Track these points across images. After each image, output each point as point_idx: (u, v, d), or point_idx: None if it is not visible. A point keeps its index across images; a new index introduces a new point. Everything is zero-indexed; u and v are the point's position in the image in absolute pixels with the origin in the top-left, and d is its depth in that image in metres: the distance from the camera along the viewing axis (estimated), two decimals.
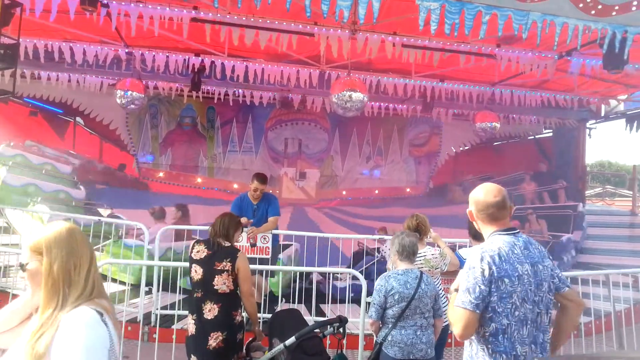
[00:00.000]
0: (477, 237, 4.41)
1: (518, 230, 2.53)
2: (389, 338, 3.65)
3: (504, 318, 2.32)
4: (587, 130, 12.92)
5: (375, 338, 3.87)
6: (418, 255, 4.13)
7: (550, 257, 2.55)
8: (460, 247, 5.39)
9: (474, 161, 15.67)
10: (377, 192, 15.31)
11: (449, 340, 5.18)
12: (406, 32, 7.81)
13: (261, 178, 6.25)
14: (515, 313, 2.32)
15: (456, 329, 2.33)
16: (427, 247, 4.43)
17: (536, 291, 2.39)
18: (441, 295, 4.03)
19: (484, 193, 2.53)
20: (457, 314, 2.33)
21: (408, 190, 15.48)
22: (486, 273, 2.31)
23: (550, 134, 14.46)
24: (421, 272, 3.76)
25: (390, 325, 3.66)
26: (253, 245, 6.04)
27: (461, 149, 15.64)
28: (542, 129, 14.30)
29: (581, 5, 6.40)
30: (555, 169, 13.72)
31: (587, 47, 7.32)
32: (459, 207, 13.27)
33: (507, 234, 2.46)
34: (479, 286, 2.30)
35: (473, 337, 2.40)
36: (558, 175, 13.23)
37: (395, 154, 15.26)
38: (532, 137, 15.12)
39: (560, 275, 2.53)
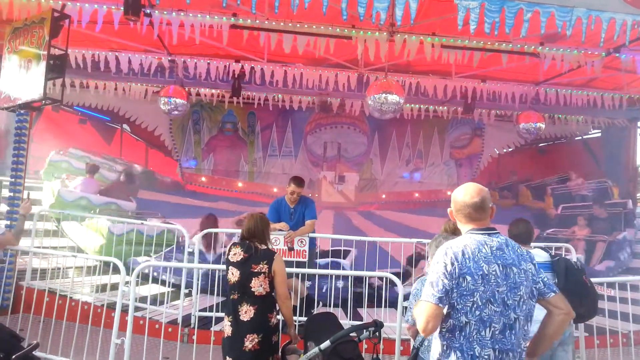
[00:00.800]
0: (517, 240, 4.26)
1: (497, 232, 2.50)
2: (426, 343, 3.57)
3: (462, 315, 2.31)
4: (638, 130, 12.36)
5: (412, 343, 3.80)
6: None
7: (534, 262, 2.49)
8: None
9: (518, 163, 15.27)
10: (417, 195, 15.11)
11: None
12: (445, 32, 7.69)
13: (298, 181, 6.29)
14: (476, 312, 2.30)
15: (419, 323, 2.30)
16: None
17: (509, 294, 2.34)
18: None
19: (463, 193, 2.54)
20: (420, 307, 2.32)
21: (449, 193, 15.16)
22: (448, 268, 2.31)
23: (599, 134, 13.90)
24: None
25: None
26: (290, 249, 6.07)
27: (505, 150, 15.25)
28: (589, 129, 13.77)
29: None
30: (604, 170, 13.16)
31: (637, 42, 7.01)
32: (502, 210, 13.01)
33: (480, 233, 2.46)
34: (442, 280, 2.30)
35: (436, 333, 2.39)
36: (607, 176, 12.69)
37: (435, 157, 15.03)
38: (580, 137, 14.58)
39: (545, 280, 2.49)
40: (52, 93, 7.45)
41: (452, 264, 2.32)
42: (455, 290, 2.31)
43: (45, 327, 5.23)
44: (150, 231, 7.90)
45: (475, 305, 2.30)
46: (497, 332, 2.31)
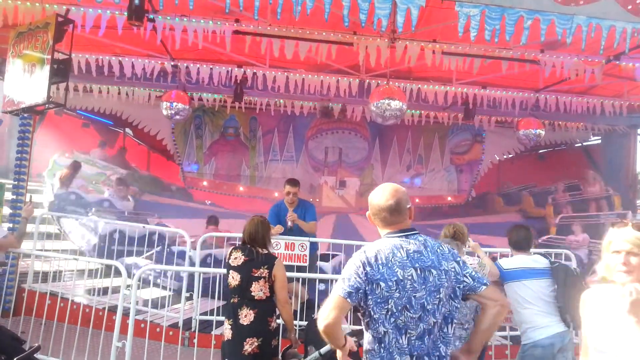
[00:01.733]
0: (517, 246, 4.32)
1: (416, 232, 2.41)
2: None
3: (380, 325, 2.23)
4: (638, 137, 12.39)
5: None
6: None
7: (458, 259, 2.40)
8: (502, 257, 5.26)
9: (517, 169, 15.30)
10: (417, 200, 15.14)
11: (490, 353, 5.07)
12: (446, 39, 7.73)
13: (292, 182, 6.35)
14: (391, 320, 2.22)
15: (322, 312, 2.22)
16: (465, 256, 4.35)
17: (428, 298, 2.25)
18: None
19: (378, 196, 2.44)
20: (328, 299, 2.25)
21: (449, 199, 15.24)
22: (360, 270, 2.24)
23: (599, 141, 13.93)
24: None
25: None
26: (291, 228, 6.12)
27: (505, 157, 15.28)
28: (589, 135, 13.80)
29: (630, 7, 6.19)
30: (603, 177, 13.18)
31: (637, 50, 7.05)
32: (501, 216, 13.02)
33: (397, 237, 2.37)
34: (355, 278, 2.23)
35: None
36: (606, 183, 12.70)
37: (436, 163, 15.08)
38: (579, 144, 14.61)
39: (473, 274, 2.39)
40: (56, 97, 7.50)
41: (365, 268, 2.25)
42: (370, 298, 2.23)
43: (46, 330, 5.25)
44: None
45: (390, 313, 2.23)
46: (413, 338, 2.23)
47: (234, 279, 4.05)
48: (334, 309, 2.20)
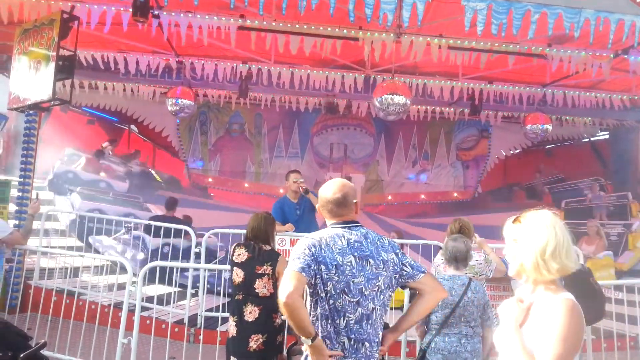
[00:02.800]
0: None
1: (359, 225, 2.55)
2: (432, 345, 3.58)
3: (319, 307, 2.38)
4: None
5: (419, 344, 3.80)
6: None
7: (397, 251, 2.55)
8: None
9: (524, 165, 15.21)
10: (423, 197, 15.08)
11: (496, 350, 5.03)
12: (452, 34, 7.67)
13: (295, 171, 6.29)
14: (330, 301, 2.36)
15: (282, 288, 2.29)
16: (471, 252, 4.31)
17: (367, 284, 2.40)
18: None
19: (326, 189, 2.59)
20: (284, 277, 2.34)
21: (455, 195, 15.18)
22: (307, 252, 2.36)
23: (607, 136, 13.82)
24: (470, 280, 3.65)
25: (434, 332, 3.60)
26: (306, 192, 6.08)
27: (511, 152, 15.19)
28: (597, 130, 13.69)
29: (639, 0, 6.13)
30: (611, 172, 13.07)
31: None
32: (508, 213, 12.94)
33: (339, 227, 2.51)
34: (304, 255, 2.35)
35: None
36: (614, 177, 12.59)
37: (442, 158, 15.02)
38: (587, 139, 14.50)
39: (412, 263, 2.54)
40: (61, 94, 7.51)
41: (311, 249, 2.38)
42: (318, 277, 2.36)
43: (52, 326, 5.27)
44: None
45: (329, 295, 2.36)
46: (351, 322, 2.37)
47: (238, 275, 4.03)
48: (291, 280, 2.29)
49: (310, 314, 2.43)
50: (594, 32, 5.93)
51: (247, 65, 9.50)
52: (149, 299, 6.39)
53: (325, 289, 2.36)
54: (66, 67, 6.71)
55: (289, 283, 2.27)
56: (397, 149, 14.86)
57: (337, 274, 2.37)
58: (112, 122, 14.29)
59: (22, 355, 3.72)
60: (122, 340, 4.70)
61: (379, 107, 8.31)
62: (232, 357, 3.97)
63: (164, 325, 5.75)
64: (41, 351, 4.47)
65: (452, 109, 11.98)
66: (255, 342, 3.85)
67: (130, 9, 6.53)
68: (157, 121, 13.40)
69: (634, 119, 12.01)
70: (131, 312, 4.92)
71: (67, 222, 8.78)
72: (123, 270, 5.06)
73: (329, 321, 2.37)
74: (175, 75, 10.19)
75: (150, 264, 5.23)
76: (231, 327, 4.03)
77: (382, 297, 2.45)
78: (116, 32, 7.77)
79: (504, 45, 7.91)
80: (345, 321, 2.37)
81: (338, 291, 2.36)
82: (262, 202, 12.56)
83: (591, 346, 4.90)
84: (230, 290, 4.65)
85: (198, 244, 6.66)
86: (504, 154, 15.17)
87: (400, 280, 2.53)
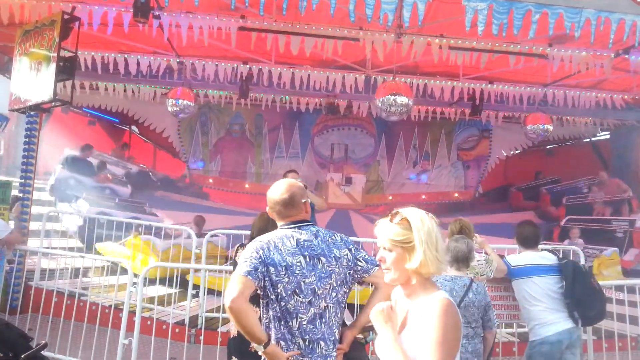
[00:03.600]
0: (525, 243, 4.27)
1: (309, 224, 2.53)
2: None
3: (271, 309, 2.36)
4: None
5: None
6: None
7: (350, 247, 2.52)
8: (510, 253, 5.21)
9: (525, 165, 15.20)
10: (424, 197, 15.08)
11: (497, 350, 5.04)
12: (453, 34, 7.67)
13: (292, 170, 6.26)
14: (282, 303, 2.34)
15: (227, 293, 2.26)
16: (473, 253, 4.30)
17: (319, 284, 2.38)
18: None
19: (273, 190, 2.59)
20: (230, 281, 2.30)
21: (456, 195, 15.17)
22: (254, 255, 2.34)
23: (608, 136, 13.81)
24: (471, 281, 3.64)
25: None
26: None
27: (512, 152, 15.18)
28: (598, 130, 13.68)
29: None
30: (612, 172, 13.05)
31: None
32: (509, 214, 12.94)
33: (288, 228, 2.50)
34: (251, 259, 2.32)
35: None
36: (615, 177, 12.57)
37: (442, 159, 15.02)
38: (588, 139, 14.49)
39: (366, 257, 2.53)
40: (62, 95, 7.52)
41: (258, 252, 2.35)
42: (267, 279, 2.33)
43: (53, 327, 5.27)
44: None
45: (280, 297, 2.34)
46: (304, 322, 2.35)
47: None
48: (237, 284, 2.26)
49: (262, 316, 2.42)
50: (594, 32, 5.93)
51: (248, 66, 9.50)
52: (150, 300, 6.39)
53: (276, 291, 2.33)
54: (67, 68, 6.70)
55: (234, 287, 2.23)
56: (397, 150, 14.86)
57: (287, 275, 2.34)
58: (113, 123, 14.30)
59: (23, 356, 3.73)
60: (122, 341, 4.70)
61: (381, 107, 8.31)
62: (233, 358, 3.96)
63: (164, 326, 5.75)
64: (42, 352, 4.48)
65: (452, 109, 11.97)
66: None
67: (131, 10, 6.53)
68: (157, 122, 13.42)
69: (634, 119, 12.00)
70: (132, 313, 4.92)
71: (75, 228, 8.72)
72: (124, 271, 5.07)
73: (282, 323, 2.35)
74: (176, 76, 10.19)
75: (151, 265, 5.23)
76: (232, 328, 4.01)
77: (334, 294, 2.42)
78: (117, 33, 7.77)
79: (504, 45, 7.92)
80: (298, 322, 2.35)
81: (289, 292, 2.34)
82: (264, 203, 12.55)
83: (592, 346, 4.90)
84: None
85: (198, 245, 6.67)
86: (505, 154, 15.17)
87: (355, 275, 2.51)
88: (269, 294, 2.35)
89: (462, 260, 3.70)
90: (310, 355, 2.35)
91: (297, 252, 2.40)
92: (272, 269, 2.33)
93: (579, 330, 4.03)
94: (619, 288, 5.83)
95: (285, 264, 2.35)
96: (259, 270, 2.31)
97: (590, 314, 3.95)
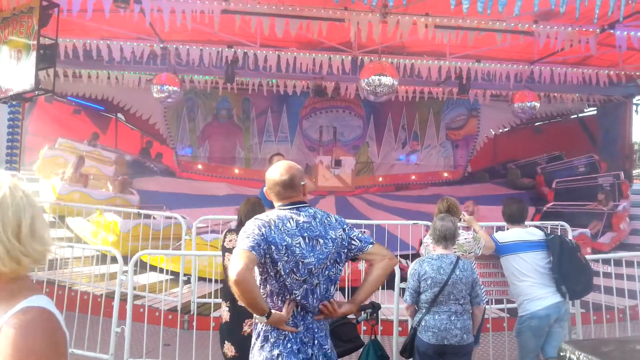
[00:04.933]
0: (511, 220, 4.30)
1: (307, 206, 2.56)
2: (423, 323, 3.62)
3: (269, 284, 2.40)
4: (634, 107, 12.35)
5: (410, 323, 3.84)
6: None
7: (345, 226, 2.57)
8: (499, 230, 5.25)
9: (514, 143, 15.27)
10: (414, 177, 15.13)
11: (487, 326, 5.10)
12: (438, 12, 7.64)
13: (278, 154, 6.20)
14: (280, 280, 2.38)
15: (232, 266, 2.24)
16: (460, 231, 4.34)
17: (316, 264, 2.43)
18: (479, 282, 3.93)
19: (273, 171, 2.58)
20: (234, 256, 2.31)
21: (446, 175, 15.24)
22: (257, 232, 2.34)
23: (594, 112, 13.89)
24: (457, 258, 3.68)
25: (424, 311, 3.63)
26: None
27: (500, 131, 15.24)
28: (585, 106, 13.75)
29: None
30: (599, 148, 13.16)
31: (631, 18, 6.97)
32: (498, 193, 13.02)
33: (286, 209, 2.51)
34: (254, 235, 2.33)
35: None
36: (603, 153, 12.68)
37: (431, 139, 15.04)
38: (575, 115, 14.56)
39: (360, 236, 2.58)
40: (45, 83, 7.39)
41: (261, 229, 2.37)
42: (268, 256, 2.36)
43: None
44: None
45: (278, 275, 2.37)
46: (298, 298, 2.41)
47: (230, 261, 4.02)
48: (241, 258, 2.26)
49: (264, 290, 2.45)
50: (579, 7, 5.90)
51: (233, 50, 9.39)
52: (141, 288, 6.38)
53: (275, 268, 2.37)
54: (48, 56, 6.59)
55: (239, 261, 2.23)
56: (386, 131, 14.85)
57: (286, 255, 2.37)
58: (99, 111, 14.11)
59: None
60: (115, 330, 4.70)
61: (366, 88, 8.28)
62: (226, 342, 3.99)
63: (157, 313, 5.76)
64: None
65: (440, 89, 11.96)
66: (249, 326, 3.85)
67: None
68: (143, 109, 13.27)
69: (621, 94, 12.07)
70: (123, 301, 4.92)
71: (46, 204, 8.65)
72: (114, 259, 5.05)
73: (280, 297, 2.41)
74: (160, 61, 10.04)
75: (140, 252, 5.21)
76: (224, 313, 4.03)
77: (327, 272, 2.47)
78: (98, 19, 7.66)
79: (490, 22, 7.88)
80: (292, 297, 2.41)
81: (287, 271, 2.38)
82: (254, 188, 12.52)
83: (580, 319, 4.98)
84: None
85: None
86: (493, 132, 15.21)
87: (349, 254, 2.55)
88: (269, 270, 2.38)
89: (449, 238, 3.73)
90: (302, 322, 2.42)
91: (296, 233, 2.42)
92: (273, 247, 2.35)
93: (566, 304, 4.09)
94: (606, 261, 5.92)
95: (285, 244, 2.37)
96: (262, 246, 2.32)
97: (577, 288, 4.00)
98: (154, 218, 7.55)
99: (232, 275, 2.20)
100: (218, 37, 8.95)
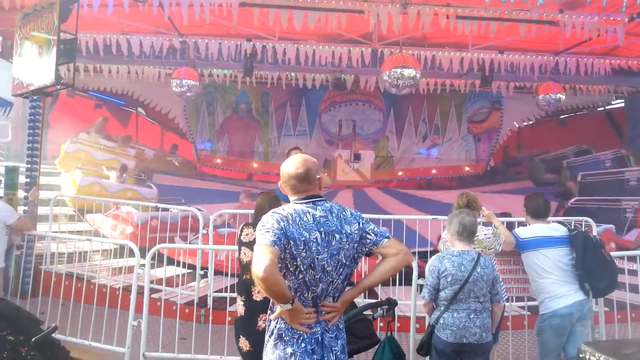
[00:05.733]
0: (536, 214, 4.18)
1: (323, 200, 2.52)
2: (441, 321, 3.54)
3: (294, 277, 2.37)
4: None
5: (427, 320, 3.76)
6: None
7: (360, 220, 2.53)
8: (520, 225, 5.11)
9: (538, 136, 14.94)
10: (434, 171, 14.92)
11: (507, 324, 4.98)
12: (460, 2, 7.47)
13: (296, 147, 6.17)
14: (300, 276, 2.37)
15: (257, 262, 2.18)
16: (480, 226, 4.22)
17: (329, 261, 2.40)
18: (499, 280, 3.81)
19: (288, 165, 2.55)
20: (256, 251, 2.25)
21: (467, 169, 14.99)
22: (276, 226, 2.30)
23: (622, 104, 13.48)
24: (479, 255, 3.58)
25: (442, 308, 3.55)
26: None
27: (525, 124, 14.91)
28: (612, 98, 13.35)
29: None
30: (627, 141, 12.77)
31: None
32: (521, 187, 12.74)
33: (303, 203, 2.48)
34: (274, 229, 2.29)
35: None
36: (631, 147, 12.29)
37: (453, 132, 14.78)
38: (602, 108, 14.16)
39: (375, 230, 2.53)
40: (66, 78, 7.46)
41: (280, 223, 2.33)
42: (287, 251, 2.33)
43: (64, 310, 5.31)
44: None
45: (298, 270, 2.36)
46: (316, 295, 2.41)
47: (246, 255, 3.99)
48: (265, 254, 2.22)
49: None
50: None
51: (252, 43, 9.36)
52: (159, 281, 6.42)
53: (295, 264, 2.35)
54: (68, 51, 6.62)
55: (263, 257, 2.19)
56: (407, 124, 14.64)
57: (305, 250, 2.35)
58: (120, 105, 14.26)
59: (33, 339, 3.74)
60: (132, 323, 4.73)
61: (388, 81, 8.17)
62: (241, 337, 3.97)
63: (174, 307, 5.78)
64: (53, 335, 4.52)
65: (462, 81, 11.73)
66: (263, 321, 3.82)
67: None
68: (163, 103, 13.34)
69: None
70: (140, 294, 4.94)
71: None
72: (131, 252, 5.07)
73: (297, 294, 2.39)
74: (180, 56, 10.07)
75: (158, 246, 5.22)
76: (239, 307, 4.01)
77: (341, 269, 2.45)
78: (117, 14, 7.68)
79: (513, 12, 7.67)
80: (311, 294, 2.40)
81: (306, 267, 2.36)
82: (273, 182, 12.52)
83: (604, 318, 4.82)
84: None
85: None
86: (517, 125, 14.90)
87: (364, 248, 2.52)
88: (288, 265, 2.36)
89: (469, 233, 3.63)
90: (318, 323, 2.41)
91: (314, 227, 2.39)
92: (291, 242, 2.33)
93: (590, 302, 3.96)
94: (632, 259, 5.72)
95: (303, 239, 2.35)
96: (282, 241, 2.30)
97: (601, 286, 3.87)
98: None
99: (259, 272, 2.16)
100: (237, 31, 8.92)
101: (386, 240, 2.50)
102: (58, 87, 6.91)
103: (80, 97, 12.86)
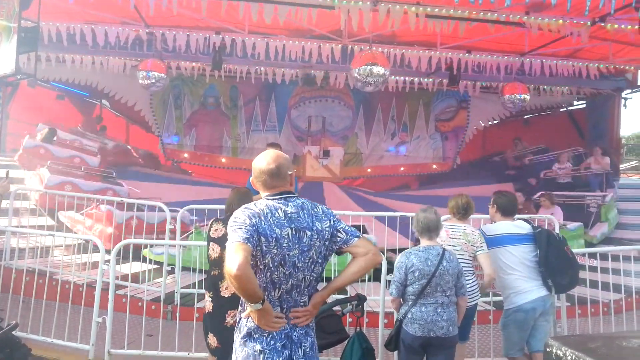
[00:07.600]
0: (505, 212, 4.26)
1: (295, 196, 2.51)
2: (409, 315, 3.59)
3: (263, 275, 2.35)
4: (623, 101, 12.41)
5: (396, 315, 3.80)
6: (457, 227, 4.14)
7: (332, 217, 2.52)
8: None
9: (503, 135, 15.28)
10: (402, 169, 15.08)
11: (473, 319, 5.08)
12: (430, 2, 7.55)
13: (274, 143, 6.09)
14: (268, 274, 2.35)
15: (230, 260, 2.17)
16: (469, 225, 4.30)
17: (300, 257, 2.39)
18: (465, 274, 3.88)
19: (260, 160, 2.53)
20: (229, 249, 2.24)
21: (434, 167, 15.21)
22: (248, 222, 2.30)
23: (584, 105, 13.93)
24: (444, 250, 3.65)
25: (410, 303, 3.60)
26: None
27: (490, 123, 15.23)
28: (574, 100, 13.78)
29: None
30: (588, 141, 13.20)
31: (622, 11, 6.94)
32: (487, 185, 13.02)
33: (274, 199, 2.46)
34: (246, 226, 2.28)
35: None
36: (591, 146, 12.70)
37: (421, 130, 14.96)
38: (564, 108, 14.59)
39: (346, 229, 2.52)
40: (27, 68, 7.20)
41: (252, 220, 2.32)
42: (258, 248, 2.31)
43: (25, 307, 5.14)
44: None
45: (267, 267, 2.34)
46: (283, 293, 2.39)
47: (214, 251, 3.95)
48: (238, 251, 2.19)
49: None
50: None
51: (221, 36, 9.23)
52: (124, 277, 6.28)
53: (264, 261, 2.33)
54: (29, 40, 6.41)
55: (236, 255, 2.17)
56: (376, 121, 14.73)
57: (275, 247, 2.33)
58: (83, 97, 13.86)
59: None
60: (96, 320, 4.62)
61: (357, 78, 8.20)
62: (209, 333, 3.93)
63: (140, 303, 5.67)
64: (13, 332, 4.37)
65: (430, 80, 11.89)
66: (232, 317, 3.80)
67: None
68: (129, 95, 13.00)
69: (610, 88, 12.10)
70: (105, 291, 4.82)
71: (36, 196, 8.52)
72: (95, 248, 4.95)
73: (266, 293, 2.36)
74: (146, 47, 9.84)
75: (123, 242, 5.11)
76: (207, 303, 3.97)
77: (312, 266, 2.43)
78: (81, 2, 7.47)
79: (481, 13, 7.81)
80: (279, 292, 2.38)
81: (276, 264, 2.34)
82: (241, 177, 12.41)
83: (565, 313, 4.98)
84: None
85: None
86: (483, 124, 15.21)
87: (334, 246, 2.50)
88: (258, 263, 2.33)
89: (433, 229, 3.71)
90: (286, 320, 2.39)
91: (285, 224, 2.37)
92: (263, 239, 2.30)
93: (552, 297, 4.08)
94: (592, 255, 5.92)
95: (275, 235, 2.33)
96: (254, 238, 2.27)
97: (563, 282, 3.99)
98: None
99: (233, 270, 2.13)
100: (205, 23, 8.79)
101: (356, 239, 2.50)
102: (18, 76, 6.69)
103: (41, 88, 12.41)
